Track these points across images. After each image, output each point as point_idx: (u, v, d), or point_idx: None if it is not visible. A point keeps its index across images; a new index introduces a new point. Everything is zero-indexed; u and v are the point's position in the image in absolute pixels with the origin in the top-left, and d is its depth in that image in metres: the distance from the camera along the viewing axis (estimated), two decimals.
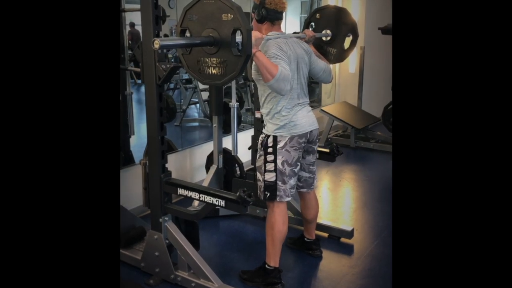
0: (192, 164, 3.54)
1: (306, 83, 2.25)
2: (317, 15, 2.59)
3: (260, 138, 2.23)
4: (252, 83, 5.08)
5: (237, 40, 1.61)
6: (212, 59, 1.67)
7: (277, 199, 2.18)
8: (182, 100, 5.53)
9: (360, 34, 5.55)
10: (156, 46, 1.51)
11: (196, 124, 5.47)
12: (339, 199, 3.62)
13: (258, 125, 2.92)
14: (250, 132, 3.81)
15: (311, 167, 2.37)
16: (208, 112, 5.26)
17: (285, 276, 2.28)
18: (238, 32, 1.61)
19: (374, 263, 2.48)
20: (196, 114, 5.98)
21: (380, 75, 6.10)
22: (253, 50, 1.87)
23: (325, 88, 5.76)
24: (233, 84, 2.86)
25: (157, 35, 1.98)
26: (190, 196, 2.06)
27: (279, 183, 2.16)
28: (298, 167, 2.23)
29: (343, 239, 2.74)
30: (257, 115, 2.93)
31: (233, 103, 2.91)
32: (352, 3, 5.44)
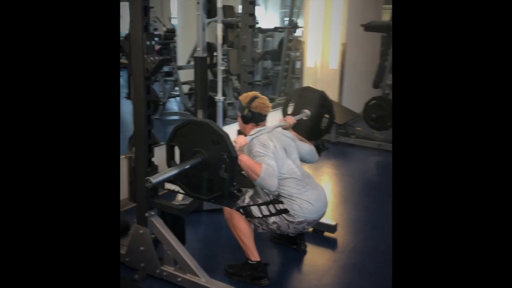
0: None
1: (300, 165, 2.33)
2: (297, 96, 2.78)
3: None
4: (235, 77, 5.07)
5: (223, 164, 1.72)
6: (200, 176, 1.79)
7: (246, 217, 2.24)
8: (162, 93, 5.46)
9: (342, 31, 5.61)
10: (149, 185, 1.62)
11: (177, 117, 5.42)
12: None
13: None
14: (233, 126, 3.80)
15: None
16: (189, 105, 5.23)
17: (270, 271, 2.29)
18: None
19: (358, 257, 2.52)
20: (176, 107, 5.92)
21: (361, 71, 6.17)
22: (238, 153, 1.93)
23: (307, 82, 5.79)
24: (220, 77, 2.84)
25: (146, 27, 1.95)
26: (178, 190, 2.04)
27: (256, 221, 2.23)
28: (284, 233, 2.34)
29: (326, 233, 2.77)
30: None
31: (219, 97, 2.89)
32: (334, 4, 5.47)
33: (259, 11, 7.94)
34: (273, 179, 2.04)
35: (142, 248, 2.21)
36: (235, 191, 1.89)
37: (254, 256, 2.21)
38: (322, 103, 2.68)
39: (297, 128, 2.60)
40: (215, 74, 3.85)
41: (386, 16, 10.07)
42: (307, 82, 5.79)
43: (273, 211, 2.17)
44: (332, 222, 2.79)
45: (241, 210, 2.20)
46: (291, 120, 2.53)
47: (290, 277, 2.34)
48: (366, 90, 6.56)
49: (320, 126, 2.71)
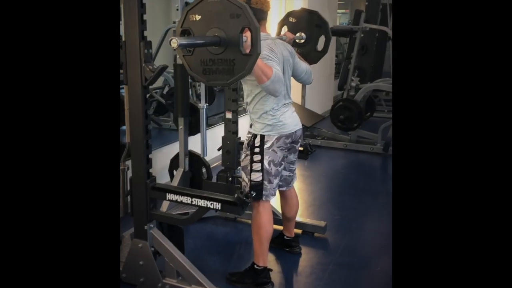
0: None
1: (290, 84, 2.28)
2: (290, 19, 2.63)
3: (246, 138, 2.23)
4: (198, 83, 5.03)
5: (243, 40, 1.59)
6: (218, 59, 1.63)
7: (263, 198, 2.19)
8: None
9: None
10: (174, 45, 1.45)
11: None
12: (300, 195, 3.70)
13: (229, 125, 2.91)
14: (211, 132, 3.78)
15: (291, 166, 2.41)
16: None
17: (271, 275, 2.29)
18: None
19: (352, 256, 2.58)
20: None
21: (321, 74, 6.34)
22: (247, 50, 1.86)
23: None
24: (203, 84, 2.81)
25: (142, 35, 1.90)
26: (181, 201, 2.00)
27: (265, 182, 2.17)
28: (282, 166, 2.26)
29: (317, 234, 2.82)
30: (228, 115, 2.92)
31: (202, 104, 2.86)
32: (294, 5, 5.58)
33: None
34: (281, 85, 1.96)
35: (141, 263, 2.14)
36: (244, 197, 1.90)
37: (263, 261, 2.20)
38: (317, 23, 2.59)
39: None
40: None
41: (341, 20, 10.42)
42: None
43: (258, 157, 2.16)
44: (322, 223, 2.84)
45: (252, 192, 2.14)
46: (290, 35, 2.46)
47: (292, 280, 2.37)
48: (325, 92, 6.76)
49: (316, 48, 2.63)
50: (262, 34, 2.14)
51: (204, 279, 2.09)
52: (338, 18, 8.64)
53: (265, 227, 2.19)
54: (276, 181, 2.22)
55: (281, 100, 2.17)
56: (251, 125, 2.23)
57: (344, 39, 6.90)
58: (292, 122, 2.22)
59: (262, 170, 2.16)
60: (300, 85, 5.80)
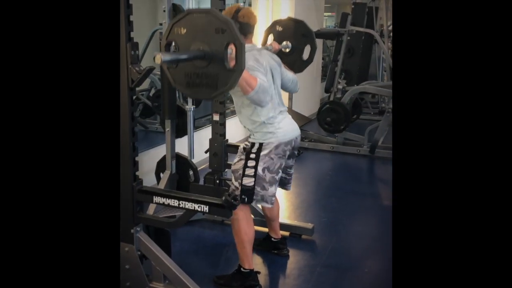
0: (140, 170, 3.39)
1: (280, 93, 2.30)
2: (277, 27, 2.66)
3: (244, 145, 2.22)
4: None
5: (229, 54, 1.59)
6: (202, 73, 1.63)
7: (254, 203, 2.18)
8: None
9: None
10: (158, 61, 1.47)
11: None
12: (287, 198, 3.71)
13: (216, 127, 2.89)
14: (199, 134, 3.76)
15: (288, 170, 2.40)
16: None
17: (259, 278, 2.29)
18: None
19: (339, 257, 2.59)
20: None
21: (307, 76, 6.36)
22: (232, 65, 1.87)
23: None
24: None
25: (129, 37, 1.88)
26: (168, 203, 1.98)
27: (258, 188, 2.16)
28: (280, 174, 2.24)
29: (304, 237, 2.82)
30: (215, 117, 2.90)
31: (189, 106, 2.84)
32: (281, 7, 5.60)
33: None
34: (266, 95, 1.95)
35: (127, 267, 2.11)
36: (231, 200, 1.88)
37: (249, 264, 2.19)
38: (303, 32, 2.60)
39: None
40: None
41: (327, 23, 10.48)
42: None
43: (253, 163, 2.14)
44: (309, 226, 2.84)
45: (243, 197, 2.14)
46: (276, 45, 2.47)
47: (280, 282, 2.36)
48: (312, 95, 6.79)
49: (302, 57, 2.64)
50: (248, 45, 2.16)
51: (192, 282, 2.07)
52: (325, 21, 8.69)
53: (245, 230, 2.19)
54: (272, 188, 2.19)
55: (276, 108, 2.19)
56: (250, 136, 2.23)
57: (331, 41, 6.96)
58: (291, 128, 2.23)
59: (254, 175, 2.15)
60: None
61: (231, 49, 1.57)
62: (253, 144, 2.18)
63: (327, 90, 5.01)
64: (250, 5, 5.90)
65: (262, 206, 2.53)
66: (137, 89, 1.98)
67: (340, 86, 4.80)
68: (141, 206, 2.11)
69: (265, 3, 5.50)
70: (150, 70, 1.89)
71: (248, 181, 2.15)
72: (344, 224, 3.06)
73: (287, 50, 2.61)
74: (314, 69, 6.74)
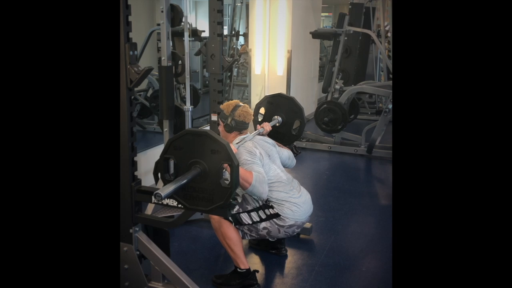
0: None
1: (284, 169, 2.38)
2: (268, 103, 2.80)
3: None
4: (182, 85, 5.01)
5: (224, 175, 1.70)
6: (199, 187, 1.73)
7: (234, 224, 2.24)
8: None
9: (287, 38, 5.77)
10: (158, 199, 1.59)
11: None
12: None
13: (214, 127, 2.90)
14: None
15: None
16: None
17: (257, 277, 2.30)
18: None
19: (337, 257, 2.60)
20: None
21: (305, 77, 6.38)
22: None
23: (255, 90, 5.87)
24: (188, 86, 2.80)
25: (127, 37, 1.88)
26: (167, 203, 1.98)
27: (246, 228, 2.25)
28: (274, 238, 2.38)
29: (302, 236, 2.83)
30: (213, 117, 2.92)
31: (187, 106, 2.85)
32: (279, 8, 5.61)
33: (191, 19, 7.87)
34: (264, 186, 2.05)
35: (126, 266, 2.12)
36: (230, 200, 1.89)
37: (244, 264, 2.20)
38: (292, 108, 2.73)
39: (269, 134, 2.64)
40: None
41: (324, 23, 10.50)
42: (255, 89, 5.87)
43: (263, 216, 2.19)
44: (307, 225, 2.85)
45: (230, 218, 2.18)
46: (267, 126, 2.57)
47: (279, 282, 2.37)
48: (309, 95, 6.80)
49: (291, 131, 2.76)
50: (240, 137, 2.29)
51: (190, 282, 2.07)
52: (322, 21, 8.70)
53: (229, 235, 2.21)
54: (256, 237, 2.30)
55: (286, 185, 2.25)
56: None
57: (328, 42, 6.97)
58: (307, 208, 2.31)
59: (253, 223, 2.22)
60: (284, 82, 5.85)
61: (226, 168, 1.68)
62: (273, 207, 2.22)
63: (324, 90, 5.03)
64: (247, 5, 5.92)
65: None
66: (135, 89, 2.00)
67: (337, 86, 4.81)
68: (140, 206, 2.11)
69: (262, 3, 5.51)
70: (149, 70, 1.90)
71: (245, 219, 2.22)
72: (342, 224, 3.08)
73: (277, 124, 2.73)
74: (312, 69, 6.75)
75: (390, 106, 4.43)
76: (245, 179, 2.01)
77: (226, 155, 1.67)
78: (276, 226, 2.19)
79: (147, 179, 3.31)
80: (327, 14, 10.36)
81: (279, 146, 2.51)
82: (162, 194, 1.57)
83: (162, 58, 2.81)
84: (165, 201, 2.01)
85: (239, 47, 6.83)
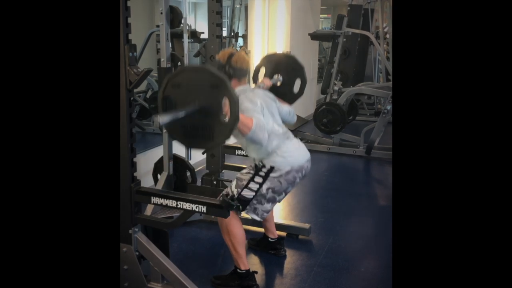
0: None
1: (281, 124, 2.33)
2: (268, 61, 2.72)
3: (256, 162, 2.24)
4: None
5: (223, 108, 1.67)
6: (198, 125, 1.70)
7: (245, 212, 2.21)
8: None
9: (286, 40, 5.78)
10: (157, 126, 1.52)
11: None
12: (284, 198, 3.72)
13: None
14: None
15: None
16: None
17: (256, 278, 2.30)
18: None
19: (336, 257, 2.61)
20: None
21: None
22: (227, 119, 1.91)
23: None
24: None
25: (127, 38, 1.90)
26: (167, 204, 2.00)
27: (254, 201, 2.18)
28: (283, 196, 2.26)
29: (301, 237, 2.84)
30: None
31: None
32: (278, 10, 5.63)
33: (190, 20, 7.88)
34: (264, 132, 2.00)
35: (126, 267, 2.13)
36: (229, 200, 1.90)
37: (244, 264, 2.21)
38: (293, 66, 2.65)
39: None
40: None
41: (323, 25, 10.52)
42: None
43: (260, 180, 2.16)
44: (306, 226, 2.86)
45: (236, 207, 2.13)
46: (267, 81, 2.53)
47: (278, 282, 2.38)
48: (307, 96, 6.81)
49: (292, 90, 2.68)
50: (241, 87, 2.23)
51: (189, 282, 2.08)
52: (321, 23, 8.73)
53: (235, 233, 2.20)
54: (268, 206, 2.21)
55: (280, 136, 2.21)
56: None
57: (327, 43, 6.99)
58: (299, 153, 2.26)
59: (256, 191, 2.17)
60: None
61: (225, 103, 1.65)
62: (264, 165, 2.20)
63: (323, 91, 5.04)
64: (246, 7, 5.94)
65: None
66: (134, 90, 2.01)
67: (336, 88, 4.83)
68: (139, 207, 2.12)
69: (261, 5, 5.53)
70: (148, 72, 1.90)
71: (248, 194, 2.17)
72: (341, 224, 3.09)
73: (278, 83, 2.67)
74: (311, 70, 6.76)
75: (389, 107, 4.44)
76: (245, 124, 1.95)
77: (226, 89, 1.63)
78: (276, 179, 2.16)
79: (147, 180, 3.32)
80: (326, 15, 10.38)
81: (279, 101, 2.44)
82: (160, 120, 1.54)
83: (162, 60, 2.82)
84: (164, 202, 2.03)
85: (238, 49, 6.84)
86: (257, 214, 2.20)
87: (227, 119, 1.65)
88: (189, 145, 1.74)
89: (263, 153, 2.18)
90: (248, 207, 2.19)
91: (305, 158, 2.28)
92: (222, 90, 1.63)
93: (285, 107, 2.45)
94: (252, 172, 2.20)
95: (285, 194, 2.27)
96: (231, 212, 2.19)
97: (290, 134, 2.32)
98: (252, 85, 2.51)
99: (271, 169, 2.17)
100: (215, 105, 1.65)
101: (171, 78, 1.71)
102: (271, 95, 2.39)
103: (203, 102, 1.66)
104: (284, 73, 2.65)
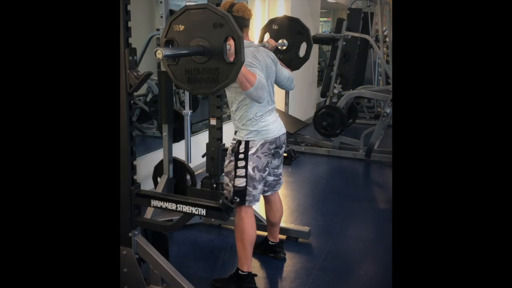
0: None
1: (273, 91, 2.31)
2: (273, 26, 2.67)
3: (231, 144, 2.24)
4: (182, 90, 5.04)
5: (228, 47, 1.61)
6: (202, 68, 1.65)
7: (246, 203, 2.20)
8: None
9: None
10: (159, 56, 1.47)
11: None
12: (284, 201, 3.73)
13: (213, 132, 2.92)
14: (196, 139, 3.78)
15: (276, 170, 2.43)
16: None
17: (256, 281, 2.30)
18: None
19: (335, 261, 2.61)
20: None
21: (304, 81, 6.40)
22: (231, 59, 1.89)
23: None
24: (187, 91, 2.82)
25: (127, 42, 1.90)
26: (166, 207, 2.00)
27: (249, 188, 2.19)
28: (267, 172, 2.27)
29: (301, 240, 2.84)
30: (212, 122, 2.93)
31: (187, 111, 2.87)
32: (277, 12, 5.64)
33: None
34: (264, 91, 1.98)
35: (125, 270, 2.13)
36: (228, 203, 1.91)
37: (247, 266, 2.21)
38: (298, 30, 2.63)
39: None
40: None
41: (323, 28, 10.54)
42: None
43: (242, 163, 2.17)
44: (305, 229, 2.86)
45: (236, 198, 2.16)
46: (272, 42, 2.50)
47: (277, 285, 2.38)
48: (308, 99, 6.83)
49: (298, 54, 2.67)
50: (245, 42, 2.17)
51: (189, 285, 2.08)
52: (321, 26, 8.74)
53: (248, 232, 2.21)
54: (260, 186, 2.24)
55: (265, 106, 2.20)
56: (235, 132, 2.25)
57: (327, 46, 7.01)
58: (276, 127, 2.25)
59: (246, 176, 2.17)
60: (283, 92, 5.86)
61: (229, 45, 1.60)
62: (239, 142, 2.20)
63: (323, 94, 5.06)
64: None
65: (266, 212, 2.55)
66: (134, 94, 2.02)
67: (336, 91, 4.85)
68: (139, 210, 2.13)
69: (260, 8, 5.55)
70: (148, 75, 1.91)
71: (240, 182, 2.17)
72: (341, 228, 3.09)
73: (284, 47, 2.64)
74: (310, 73, 6.78)
75: (388, 110, 4.45)
76: (248, 79, 1.90)
77: (229, 27, 1.57)
78: (254, 156, 2.17)
79: (147, 183, 3.32)
80: (325, 19, 10.40)
81: (281, 65, 2.42)
82: (163, 52, 1.49)
83: (162, 64, 2.83)
84: (164, 205, 2.03)
85: None
86: (257, 200, 2.24)
87: (231, 59, 1.60)
88: (194, 90, 1.68)
89: (243, 117, 2.18)
90: (247, 197, 2.19)
91: (278, 133, 2.28)
92: (226, 28, 1.56)
93: (285, 72, 2.41)
94: (232, 158, 2.21)
95: (268, 170, 2.29)
96: (249, 212, 2.21)
97: (273, 107, 2.31)
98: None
99: (247, 145, 2.18)
100: (218, 45, 1.59)
101: (173, 19, 1.65)
102: (273, 56, 2.34)
103: (206, 42, 1.60)
104: (289, 38, 2.63)
